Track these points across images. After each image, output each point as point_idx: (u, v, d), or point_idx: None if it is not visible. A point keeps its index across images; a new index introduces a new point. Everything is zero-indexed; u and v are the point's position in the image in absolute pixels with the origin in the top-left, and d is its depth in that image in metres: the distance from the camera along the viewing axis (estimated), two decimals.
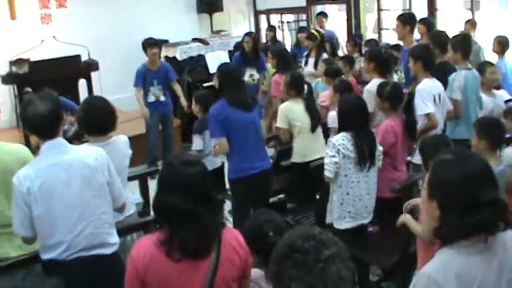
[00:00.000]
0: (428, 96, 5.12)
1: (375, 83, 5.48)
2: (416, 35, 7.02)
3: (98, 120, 4.00)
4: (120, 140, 4.17)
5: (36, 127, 3.29)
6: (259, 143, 5.18)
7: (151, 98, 8.10)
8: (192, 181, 2.52)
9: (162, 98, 8.17)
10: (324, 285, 1.79)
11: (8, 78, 8.62)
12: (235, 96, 4.96)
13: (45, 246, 3.35)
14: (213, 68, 9.74)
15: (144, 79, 7.99)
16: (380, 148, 4.60)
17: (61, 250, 3.28)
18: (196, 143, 5.83)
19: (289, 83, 5.76)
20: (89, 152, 3.39)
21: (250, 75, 8.77)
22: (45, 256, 3.35)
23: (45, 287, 1.57)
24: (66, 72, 8.19)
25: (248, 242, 2.75)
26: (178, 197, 2.48)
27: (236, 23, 12.18)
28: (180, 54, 10.03)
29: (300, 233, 1.92)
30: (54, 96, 3.53)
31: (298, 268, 1.82)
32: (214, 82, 5.21)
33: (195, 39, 10.76)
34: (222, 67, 5.32)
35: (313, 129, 5.64)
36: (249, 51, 8.73)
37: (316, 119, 5.70)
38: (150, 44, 8.00)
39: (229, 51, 10.16)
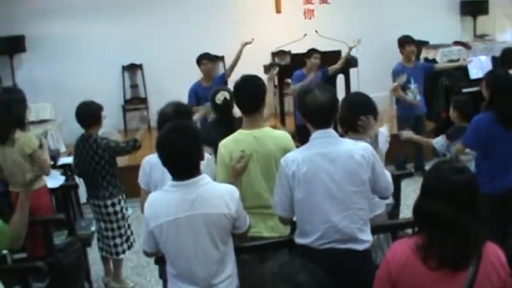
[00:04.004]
0: None
1: None
2: None
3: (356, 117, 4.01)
4: (381, 135, 4.19)
5: (313, 115, 3.39)
6: None
7: (411, 96, 8.03)
8: (458, 188, 2.39)
9: (418, 97, 8.04)
10: None
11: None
12: (507, 116, 4.62)
13: (301, 230, 3.46)
14: (474, 74, 9.34)
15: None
16: None
17: (315, 238, 3.35)
18: (441, 146, 5.57)
19: None
20: (357, 147, 3.38)
21: None
22: (299, 240, 3.47)
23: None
24: (326, 66, 8.34)
25: (509, 262, 2.54)
26: (441, 203, 2.38)
27: (502, 27, 11.49)
28: (440, 57, 9.71)
29: None
30: (333, 88, 3.61)
31: None
32: (482, 88, 4.86)
33: (456, 42, 10.38)
34: (495, 77, 4.92)
35: None
36: None
37: None
38: (407, 41, 8.11)
39: (493, 57, 9.65)
